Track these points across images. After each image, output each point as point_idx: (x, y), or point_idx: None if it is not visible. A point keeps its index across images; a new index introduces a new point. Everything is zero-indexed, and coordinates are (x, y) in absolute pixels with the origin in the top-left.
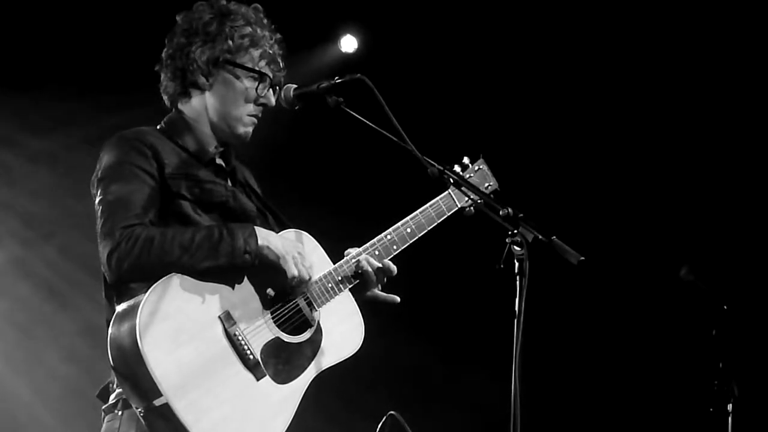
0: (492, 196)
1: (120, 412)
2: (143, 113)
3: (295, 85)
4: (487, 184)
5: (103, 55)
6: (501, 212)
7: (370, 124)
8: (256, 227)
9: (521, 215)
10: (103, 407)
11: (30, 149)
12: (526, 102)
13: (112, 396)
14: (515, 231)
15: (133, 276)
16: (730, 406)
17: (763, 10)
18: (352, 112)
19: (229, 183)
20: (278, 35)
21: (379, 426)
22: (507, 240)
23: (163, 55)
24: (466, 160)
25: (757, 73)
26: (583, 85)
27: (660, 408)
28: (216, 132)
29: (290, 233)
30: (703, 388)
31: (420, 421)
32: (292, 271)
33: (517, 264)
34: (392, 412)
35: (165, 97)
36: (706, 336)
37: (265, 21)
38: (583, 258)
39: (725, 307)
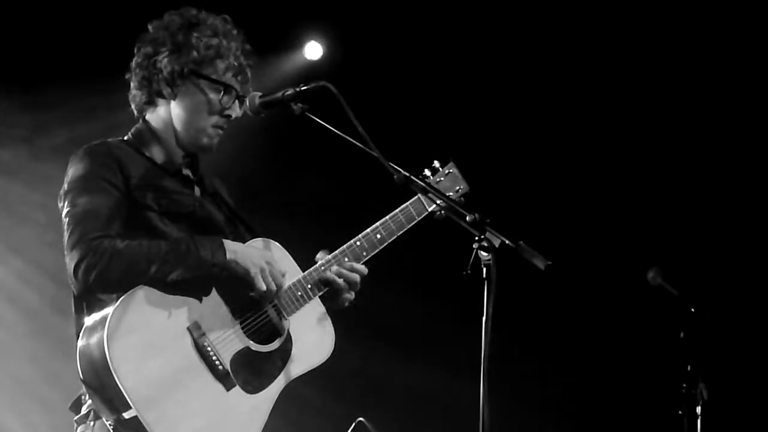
0: (462, 199)
1: (92, 423)
2: (110, 122)
3: (260, 93)
4: (457, 188)
5: (71, 64)
6: (468, 218)
7: (336, 130)
8: (225, 240)
9: (488, 220)
10: (75, 418)
11: None
12: (493, 106)
13: (84, 407)
14: (482, 236)
15: (100, 288)
16: (699, 409)
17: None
18: (317, 119)
19: (197, 193)
20: (247, 46)
21: None
22: (474, 245)
23: (132, 63)
24: (436, 163)
25: (728, 76)
26: (550, 88)
27: (629, 411)
28: (181, 142)
29: (258, 242)
30: (671, 391)
31: (388, 427)
32: (260, 285)
33: (484, 269)
34: (361, 418)
35: (132, 106)
36: (674, 339)
37: (234, 32)
38: (550, 262)
39: (693, 309)
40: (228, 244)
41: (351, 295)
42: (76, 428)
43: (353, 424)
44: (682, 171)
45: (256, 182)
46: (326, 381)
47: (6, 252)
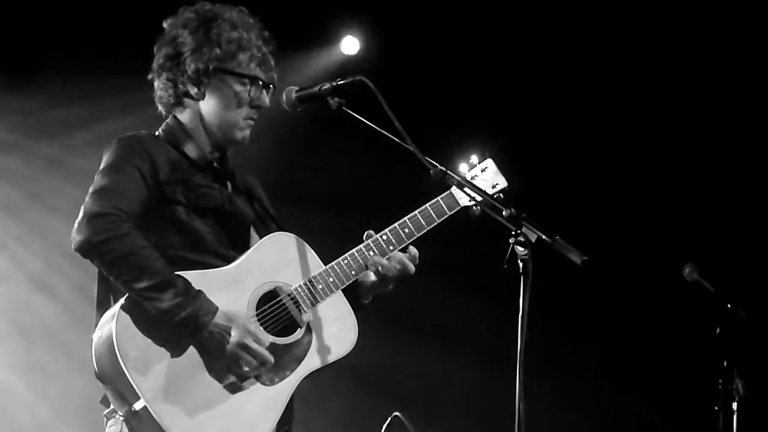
0: (501, 196)
1: (121, 417)
2: (145, 118)
3: (296, 88)
4: (495, 183)
5: (100, 60)
6: (504, 212)
7: (372, 125)
8: (220, 314)
9: (524, 215)
10: (105, 413)
11: (33, 153)
12: (530, 101)
13: None
14: (518, 231)
15: (94, 250)
16: (735, 405)
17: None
18: (353, 114)
19: (228, 188)
20: (266, 33)
21: (384, 426)
22: (510, 240)
23: (154, 65)
24: (473, 159)
25: (758, 69)
26: (586, 83)
27: (665, 406)
28: (213, 138)
29: (279, 236)
30: (707, 386)
31: (424, 421)
32: (236, 371)
33: (520, 264)
34: (397, 413)
35: (160, 106)
36: (711, 335)
37: (251, 21)
38: (586, 258)
39: (729, 305)
40: (218, 321)
41: (374, 289)
42: (106, 422)
43: (389, 418)
44: (719, 166)
45: (284, 176)
46: (363, 375)
47: (44, 246)
